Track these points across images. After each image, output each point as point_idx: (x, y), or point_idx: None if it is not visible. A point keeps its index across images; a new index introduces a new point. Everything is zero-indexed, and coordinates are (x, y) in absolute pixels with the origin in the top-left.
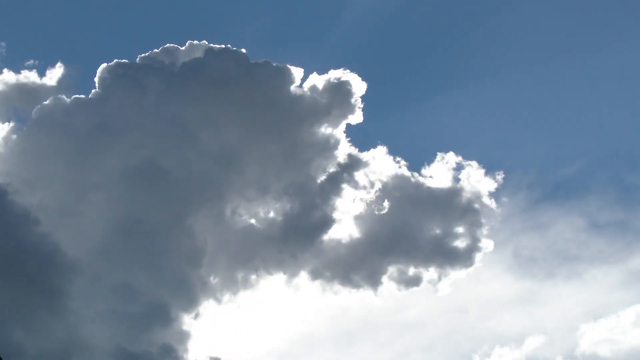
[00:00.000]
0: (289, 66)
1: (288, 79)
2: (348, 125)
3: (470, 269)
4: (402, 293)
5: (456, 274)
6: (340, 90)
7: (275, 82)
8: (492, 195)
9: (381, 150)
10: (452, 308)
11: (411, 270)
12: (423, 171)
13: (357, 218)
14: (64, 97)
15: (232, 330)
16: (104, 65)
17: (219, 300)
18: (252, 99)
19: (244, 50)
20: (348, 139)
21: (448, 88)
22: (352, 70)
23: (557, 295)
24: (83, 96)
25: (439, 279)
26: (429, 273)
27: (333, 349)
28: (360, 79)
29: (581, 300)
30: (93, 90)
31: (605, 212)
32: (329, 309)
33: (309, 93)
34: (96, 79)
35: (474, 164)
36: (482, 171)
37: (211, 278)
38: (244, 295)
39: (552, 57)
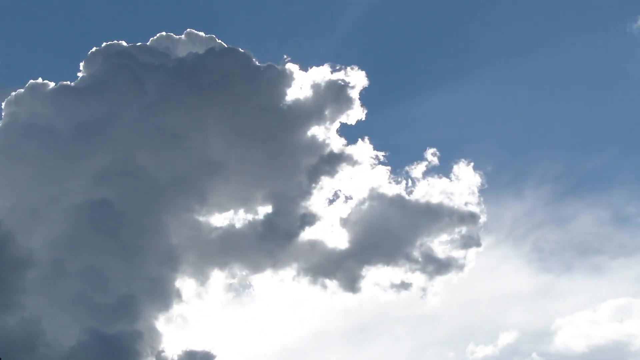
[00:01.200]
0: (283, 67)
1: (283, 81)
2: (343, 124)
3: (474, 264)
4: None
5: (452, 274)
6: (337, 89)
7: (270, 86)
8: (482, 192)
9: (370, 148)
10: (463, 303)
11: (402, 273)
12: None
13: (344, 220)
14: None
15: (226, 331)
16: (94, 49)
17: (186, 301)
18: (244, 101)
19: (241, 50)
20: (342, 137)
21: (454, 80)
22: (347, 66)
23: (574, 289)
24: (68, 82)
25: (427, 285)
26: (417, 276)
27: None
28: (363, 74)
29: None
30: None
31: (631, 205)
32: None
33: (303, 96)
34: (82, 65)
35: (464, 161)
36: (471, 167)
37: (186, 277)
38: (237, 294)
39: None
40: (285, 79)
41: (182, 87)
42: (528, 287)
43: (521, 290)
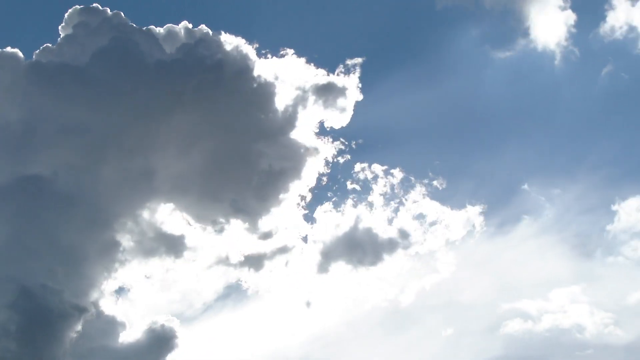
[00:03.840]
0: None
1: (265, 94)
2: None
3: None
4: None
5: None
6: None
7: (252, 99)
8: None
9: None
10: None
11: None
12: None
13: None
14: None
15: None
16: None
17: None
18: (223, 112)
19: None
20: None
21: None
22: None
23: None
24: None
25: None
26: None
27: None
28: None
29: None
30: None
31: None
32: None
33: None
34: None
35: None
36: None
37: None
38: None
39: None
40: (268, 89)
41: (159, 92)
42: (569, 273)
43: (561, 276)
